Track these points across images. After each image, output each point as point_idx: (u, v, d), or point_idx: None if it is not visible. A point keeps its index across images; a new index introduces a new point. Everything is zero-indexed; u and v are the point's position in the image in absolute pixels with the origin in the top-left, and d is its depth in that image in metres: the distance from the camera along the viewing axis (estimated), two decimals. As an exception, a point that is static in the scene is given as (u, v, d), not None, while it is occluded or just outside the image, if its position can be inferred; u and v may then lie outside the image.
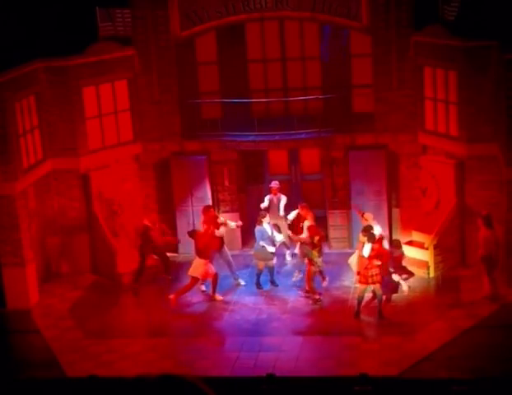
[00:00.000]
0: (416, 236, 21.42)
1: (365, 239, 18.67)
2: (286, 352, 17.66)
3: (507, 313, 18.62)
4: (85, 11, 21.46)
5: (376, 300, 18.86)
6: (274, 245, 20.57)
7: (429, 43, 20.72)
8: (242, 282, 20.99)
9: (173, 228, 22.65)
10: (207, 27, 22.18)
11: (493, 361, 16.65)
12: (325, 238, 21.24)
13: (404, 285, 19.77)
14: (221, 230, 20.67)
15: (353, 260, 19.72)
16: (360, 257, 18.68)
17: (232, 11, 21.82)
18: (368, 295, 19.10)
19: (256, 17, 22.16)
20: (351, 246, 21.94)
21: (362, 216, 20.28)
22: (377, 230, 19.51)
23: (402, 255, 20.16)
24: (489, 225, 19.05)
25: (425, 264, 20.75)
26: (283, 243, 21.52)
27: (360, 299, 18.78)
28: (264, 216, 20.58)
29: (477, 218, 19.36)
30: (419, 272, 20.78)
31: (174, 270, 21.60)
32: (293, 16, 21.99)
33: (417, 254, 20.94)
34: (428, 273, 20.69)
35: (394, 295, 19.56)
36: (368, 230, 18.95)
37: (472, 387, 14.33)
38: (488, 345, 17.43)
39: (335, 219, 22.55)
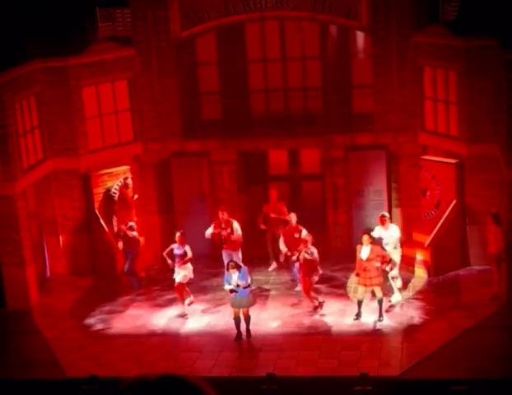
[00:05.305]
0: (417, 236, 21.42)
1: (364, 240, 18.65)
2: (286, 352, 17.66)
3: (507, 313, 18.61)
4: (85, 11, 21.45)
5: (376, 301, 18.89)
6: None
7: (429, 43, 20.71)
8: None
9: (172, 228, 22.64)
10: (207, 27, 22.18)
11: (493, 361, 16.64)
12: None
13: (399, 283, 19.75)
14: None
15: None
16: (359, 259, 18.66)
17: (232, 11, 21.82)
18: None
19: (256, 17, 22.16)
20: (350, 247, 21.92)
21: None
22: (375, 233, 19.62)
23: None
24: (498, 223, 19.02)
25: (425, 264, 20.76)
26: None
27: (360, 301, 18.77)
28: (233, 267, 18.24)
29: (487, 216, 19.31)
30: (419, 272, 20.79)
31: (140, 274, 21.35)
32: (293, 15, 21.99)
33: (417, 254, 20.95)
34: (428, 273, 20.68)
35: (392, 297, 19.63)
36: (367, 233, 18.93)
37: (472, 387, 14.34)
38: (488, 345, 17.42)
39: (335, 219, 22.55)
